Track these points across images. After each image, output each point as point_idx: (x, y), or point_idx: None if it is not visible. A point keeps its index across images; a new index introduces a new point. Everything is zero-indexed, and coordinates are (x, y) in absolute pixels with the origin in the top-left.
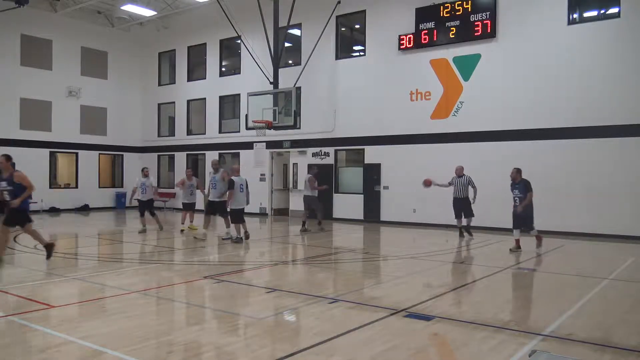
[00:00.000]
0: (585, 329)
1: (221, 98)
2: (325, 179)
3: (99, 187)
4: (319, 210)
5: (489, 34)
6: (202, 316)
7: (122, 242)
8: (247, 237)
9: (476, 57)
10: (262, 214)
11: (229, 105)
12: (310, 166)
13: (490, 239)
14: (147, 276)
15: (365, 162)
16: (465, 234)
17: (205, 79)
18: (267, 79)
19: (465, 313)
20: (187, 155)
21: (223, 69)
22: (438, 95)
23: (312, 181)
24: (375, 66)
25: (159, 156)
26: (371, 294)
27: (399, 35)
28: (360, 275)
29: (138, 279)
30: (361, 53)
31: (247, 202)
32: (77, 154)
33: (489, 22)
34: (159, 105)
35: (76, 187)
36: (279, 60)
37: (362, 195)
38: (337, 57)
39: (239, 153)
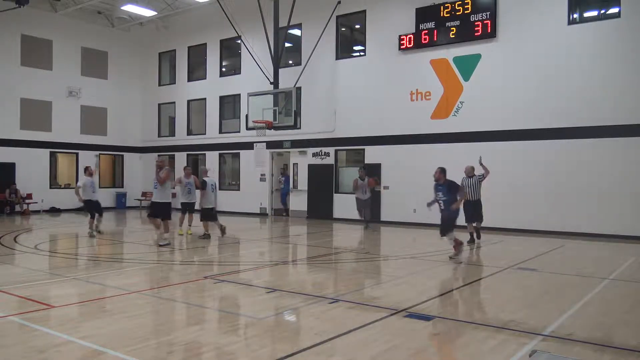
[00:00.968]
0: (586, 329)
1: (221, 98)
2: (325, 179)
3: (99, 187)
4: (367, 213)
5: (489, 34)
6: (202, 316)
7: (122, 242)
8: (223, 231)
9: (476, 57)
10: (262, 214)
11: (229, 105)
12: (361, 168)
13: (492, 239)
14: (147, 276)
15: (366, 162)
16: (475, 239)
17: (205, 79)
18: (268, 79)
19: (465, 313)
20: (188, 155)
21: (223, 69)
22: (438, 95)
23: (371, 183)
24: (375, 66)
25: (159, 156)
26: (371, 294)
27: (399, 35)
28: (361, 275)
29: (138, 279)
30: (361, 53)
31: (215, 203)
32: (77, 154)
33: (489, 22)
34: (159, 105)
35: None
36: (279, 60)
37: None
38: (337, 57)
39: (239, 153)
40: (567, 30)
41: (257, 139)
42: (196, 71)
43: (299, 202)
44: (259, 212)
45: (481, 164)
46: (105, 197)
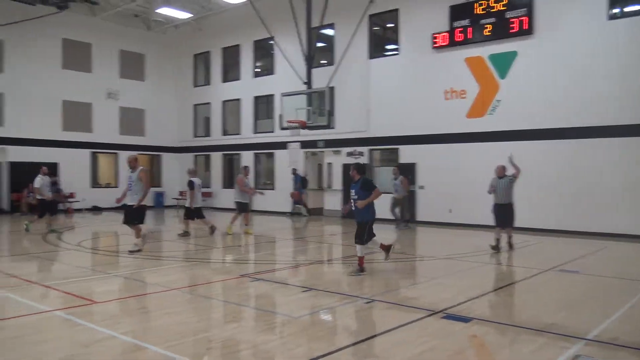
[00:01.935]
0: (631, 334)
1: (256, 99)
2: None
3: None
4: (398, 213)
5: (526, 31)
6: (239, 314)
7: (161, 240)
8: (212, 231)
9: (512, 55)
10: (297, 214)
11: (263, 105)
12: (398, 167)
13: (529, 240)
14: (186, 274)
15: (400, 162)
16: (500, 248)
17: (239, 79)
18: (301, 79)
19: (504, 315)
20: (223, 155)
21: (257, 70)
22: (474, 94)
23: (405, 183)
24: (408, 65)
25: (195, 156)
26: (408, 294)
27: (433, 34)
28: (397, 275)
29: (177, 277)
30: (394, 52)
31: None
32: (116, 154)
33: (525, 18)
34: (195, 106)
35: (116, 186)
36: (311, 60)
37: None
38: (370, 56)
39: (273, 153)
40: (607, 26)
41: (291, 138)
42: (230, 72)
43: (333, 201)
44: (291, 211)
45: (511, 163)
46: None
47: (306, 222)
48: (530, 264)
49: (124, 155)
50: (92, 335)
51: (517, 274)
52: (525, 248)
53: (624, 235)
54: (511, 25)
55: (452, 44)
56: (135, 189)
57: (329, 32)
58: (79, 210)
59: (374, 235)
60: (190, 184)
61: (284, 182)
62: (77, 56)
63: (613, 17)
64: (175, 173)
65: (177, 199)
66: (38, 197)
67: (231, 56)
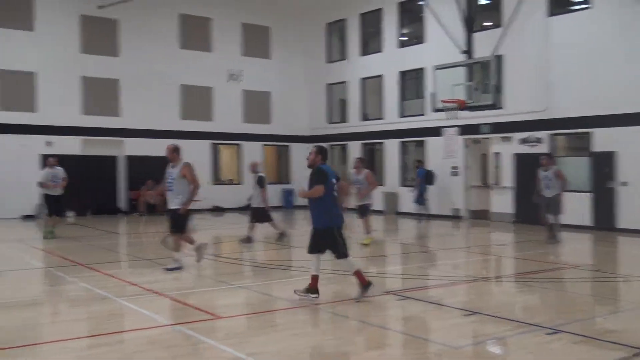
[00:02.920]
0: None
1: (401, 74)
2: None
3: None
4: (551, 217)
5: None
6: (383, 339)
7: (290, 247)
8: (282, 237)
9: None
10: (454, 217)
11: (412, 82)
12: (549, 155)
13: None
14: (320, 288)
15: (593, 150)
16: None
17: (381, 51)
18: (458, 47)
19: None
20: (362, 144)
21: (403, 39)
22: None
23: (560, 175)
24: (605, 22)
25: (330, 146)
26: (605, 325)
27: None
28: (590, 300)
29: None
30: (585, 5)
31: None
32: (239, 145)
33: None
34: (328, 85)
35: (240, 183)
36: (472, 22)
37: (590, 194)
38: (550, 14)
39: (424, 141)
40: None
41: (446, 122)
42: (370, 43)
43: (501, 202)
44: (450, 214)
45: None
46: (270, 194)
47: (466, 228)
48: None
49: (248, 147)
50: (216, 354)
51: None
52: None
53: None
54: None
55: None
56: (177, 189)
57: None
58: (198, 211)
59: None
60: (261, 181)
61: (437, 177)
62: (195, 34)
63: None
64: (305, 167)
65: (49, 195)
66: (45, 192)
67: (371, 23)
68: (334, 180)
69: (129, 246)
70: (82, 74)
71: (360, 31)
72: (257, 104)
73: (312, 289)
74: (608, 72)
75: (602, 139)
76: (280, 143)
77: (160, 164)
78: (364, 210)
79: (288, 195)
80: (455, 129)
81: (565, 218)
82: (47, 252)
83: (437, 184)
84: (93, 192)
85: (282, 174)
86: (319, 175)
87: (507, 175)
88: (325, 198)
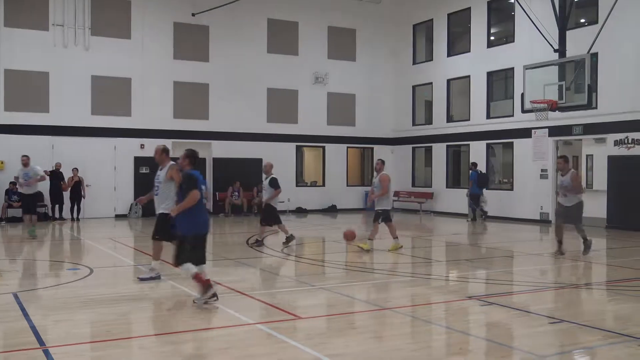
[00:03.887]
0: None
1: (489, 75)
2: (634, 177)
3: (347, 185)
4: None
5: None
6: (465, 344)
7: (372, 249)
8: (289, 240)
9: None
10: (543, 221)
11: (500, 83)
12: (561, 157)
13: None
14: (400, 291)
15: None
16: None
17: (469, 52)
18: (551, 45)
19: None
20: (447, 147)
21: (492, 38)
22: None
23: (576, 181)
24: None
25: (413, 148)
26: None
27: None
28: None
29: (390, 294)
30: None
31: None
32: (323, 147)
33: None
34: (414, 87)
35: (323, 185)
36: (566, 19)
37: None
38: None
39: (512, 143)
40: None
41: (536, 124)
42: (458, 43)
43: (593, 206)
44: (539, 218)
45: None
46: (353, 197)
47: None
48: None
49: (332, 149)
50: (297, 354)
51: None
52: None
53: None
54: None
55: None
56: (164, 193)
57: None
58: (282, 212)
59: (201, 260)
60: (275, 182)
61: (525, 180)
62: (282, 37)
63: None
64: (389, 169)
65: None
66: (19, 190)
67: (459, 23)
68: (203, 187)
69: (215, 246)
70: (174, 79)
71: (447, 31)
72: (341, 107)
73: (206, 287)
74: None
75: None
76: (364, 145)
77: (246, 166)
78: (378, 216)
79: None
80: (545, 130)
81: None
82: (137, 249)
83: (525, 188)
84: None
85: (365, 176)
86: (190, 180)
87: (601, 178)
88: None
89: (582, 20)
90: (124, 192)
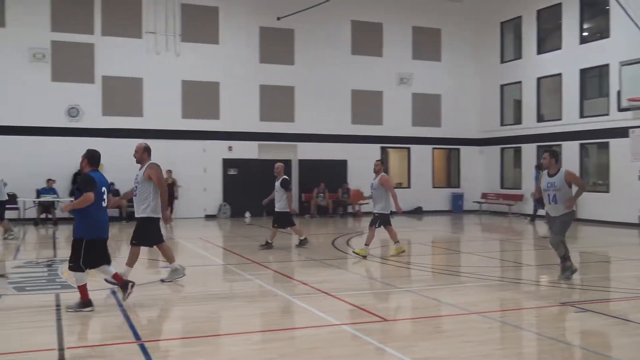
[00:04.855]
0: None
1: (582, 72)
2: None
3: (433, 187)
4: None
5: None
6: (558, 352)
7: (459, 252)
8: (303, 243)
9: None
10: (638, 225)
11: (593, 80)
12: (546, 152)
13: None
14: (490, 295)
15: None
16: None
17: (560, 48)
18: None
19: None
20: (538, 147)
21: (584, 34)
22: None
23: (577, 181)
24: None
25: (501, 149)
26: None
27: None
28: None
29: (478, 298)
30: None
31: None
32: (409, 148)
33: None
34: (502, 86)
35: (408, 186)
36: None
37: None
38: None
39: (607, 143)
40: None
41: (633, 122)
42: (548, 40)
43: None
44: (637, 221)
45: None
46: (439, 199)
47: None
48: None
49: (417, 151)
50: (382, 356)
51: None
52: None
53: None
54: None
55: None
56: (142, 194)
57: None
58: (367, 214)
59: (105, 260)
60: (286, 183)
61: (622, 182)
62: (366, 39)
63: None
64: (477, 170)
65: (478, 202)
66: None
67: (549, 19)
68: (104, 189)
69: (301, 247)
70: (261, 82)
71: (537, 28)
72: (426, 107)
73: (83, 301)
74: None
75: None
76: (450, 146)
77: (331, 167)
78: (375, 220)
79: (457, 199)
80: None
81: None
82: (226, 249)
83: (622, 190)
84: (268, 194)
85: (451, 178)
86: (87, 182)
87: None
88: (91, 207)
89: None
90: (213, 193)
